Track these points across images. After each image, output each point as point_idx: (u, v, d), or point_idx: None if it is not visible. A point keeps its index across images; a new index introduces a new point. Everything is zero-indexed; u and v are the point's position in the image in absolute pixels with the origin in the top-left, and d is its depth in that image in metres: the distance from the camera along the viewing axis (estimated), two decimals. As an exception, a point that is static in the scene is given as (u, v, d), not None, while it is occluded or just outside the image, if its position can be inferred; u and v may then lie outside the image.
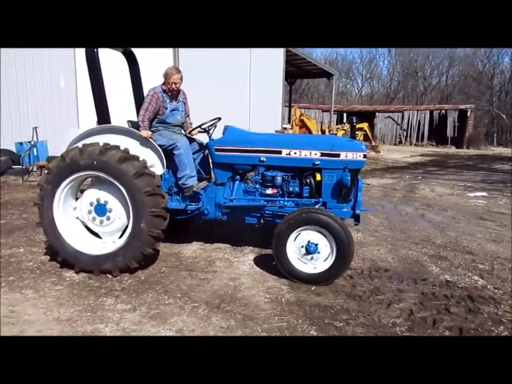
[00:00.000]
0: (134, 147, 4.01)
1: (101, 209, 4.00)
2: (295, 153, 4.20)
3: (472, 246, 5.29)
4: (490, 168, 16.89)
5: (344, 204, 4.24)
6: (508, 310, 3.47)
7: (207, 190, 4.49)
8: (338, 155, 4.10)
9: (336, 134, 17.48)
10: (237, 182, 4.45)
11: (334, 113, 29.18)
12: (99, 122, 4.19)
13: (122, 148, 3.86)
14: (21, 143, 9.77)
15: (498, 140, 40.44)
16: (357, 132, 16.48)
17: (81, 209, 4.07)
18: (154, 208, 3.80)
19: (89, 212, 4.03)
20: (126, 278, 3.90)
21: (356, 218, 4.26)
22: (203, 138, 4.74)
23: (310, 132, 19.11)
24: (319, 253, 3.79)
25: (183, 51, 11.14)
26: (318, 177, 4.21)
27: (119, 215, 3.99)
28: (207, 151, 4.66)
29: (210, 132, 4.53)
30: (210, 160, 4.60)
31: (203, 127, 4.55)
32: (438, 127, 33.11)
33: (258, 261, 4.45)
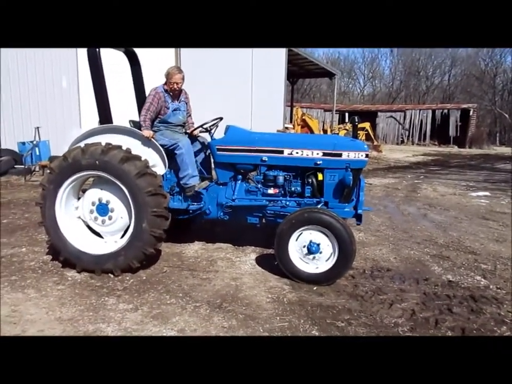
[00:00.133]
0: (136, 147, 4.02)
1: (102, 209, 4.00)
2: (297, 152, 4.19)
3: (474, 246, 5.28)
4: (492, 167, 16.83)
5: (346, 204, 4.24)
6: (511, 310, 3.46)
7: (208, 190, 4.49)
8: (340, 155, 4.10)
9: (338, 134, 17.45)
10: (239, 182, 4.45)
11: (336, 113, 29.14)
12: (101, 122, 4.20)
13: (124, 148, 3.86)
14: (23, 143, 9.79)
15: (501, 139, 40.27)
16: (359, 132, 16.54)
17: (83, 209, 4.08)
18: (156, 208, 3.80)
19: (91, 212, 4.04)
20: (127, 278, 3.91)
21: (358, 218, 4.25)
22: (204, 138, 4.75)
23: (312, 131, 19.07)
24: (321, 252, 3.79)
25: (185, 51, 11.17)
26: (320, 176, 4.21)
27: (121, 214, 3.99)
28: (208, 151, 4.66)
29: (212, 131, 4.54)
30: (212, 160, 4.61)
31: (205, 126, 4.55)
32: (440, 126, 33.01)
33: (260, 261, 4.45)
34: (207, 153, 4.78)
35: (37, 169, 9.80)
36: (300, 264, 3.86)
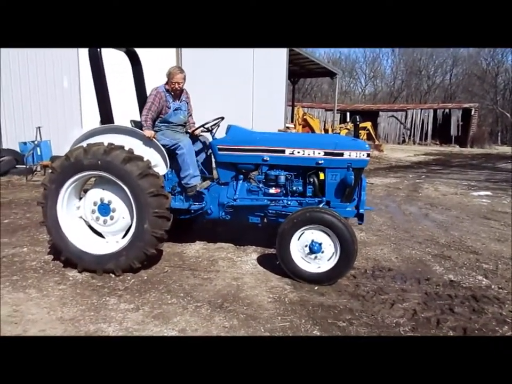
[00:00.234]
0: (138, 147, 4.02)
1: (104, 209, 4.00)
2: (299, 152, 4.19)
3: (476, 246, 5.27)
4: (494, 167, 16.79)
5: (348, 203, 4.23)
6: (513, 310, 3.45)
7: (210, 190, 4.49)
8: (341, 154, 4.09)
9: (339, 133, 17.44)
10: (240, 182, 4.45)
11: (337, 112, 29.12)
12: (102, 122, 4.20)
13: (126, 148, 3.86)
14: (25, 143, 9.81)
15: (502, 139, 40.18)
16: (360, 131, 16.54)
17: (85, 209, 4.08)
18: (158, 209, 3.80)
19: (93, 212, 4.04)
20: (129, 278, 3.91)
21: (360, 217, 4.25)
22: (206, 137, 4.74)
23: (313, 131, 19.07)
24: (322, 252, 3.79)
25: (186, 51, 11.15)
26: (322, 176, 4.20)
27: (122, 215, 4.00)
28: (210, 151, 4.66)
29: (214, 131, 4.54)
30: (214, 160, 4.60)
31: (206, 126, 4.55)
32: (442, 126, 32.95)
33: (262, 261, 4.45)
34: (208, 153, 4.78)
35: (38, 169, 9.82)
36: (302, 263, 3.86)
